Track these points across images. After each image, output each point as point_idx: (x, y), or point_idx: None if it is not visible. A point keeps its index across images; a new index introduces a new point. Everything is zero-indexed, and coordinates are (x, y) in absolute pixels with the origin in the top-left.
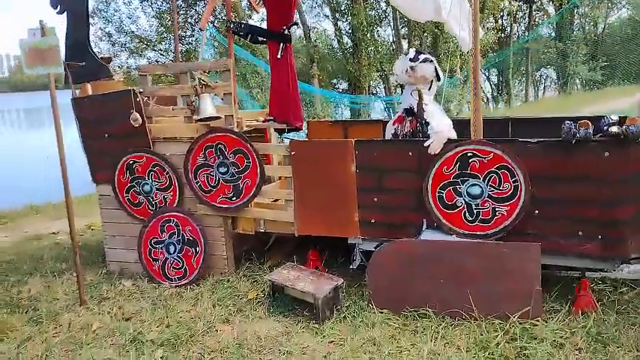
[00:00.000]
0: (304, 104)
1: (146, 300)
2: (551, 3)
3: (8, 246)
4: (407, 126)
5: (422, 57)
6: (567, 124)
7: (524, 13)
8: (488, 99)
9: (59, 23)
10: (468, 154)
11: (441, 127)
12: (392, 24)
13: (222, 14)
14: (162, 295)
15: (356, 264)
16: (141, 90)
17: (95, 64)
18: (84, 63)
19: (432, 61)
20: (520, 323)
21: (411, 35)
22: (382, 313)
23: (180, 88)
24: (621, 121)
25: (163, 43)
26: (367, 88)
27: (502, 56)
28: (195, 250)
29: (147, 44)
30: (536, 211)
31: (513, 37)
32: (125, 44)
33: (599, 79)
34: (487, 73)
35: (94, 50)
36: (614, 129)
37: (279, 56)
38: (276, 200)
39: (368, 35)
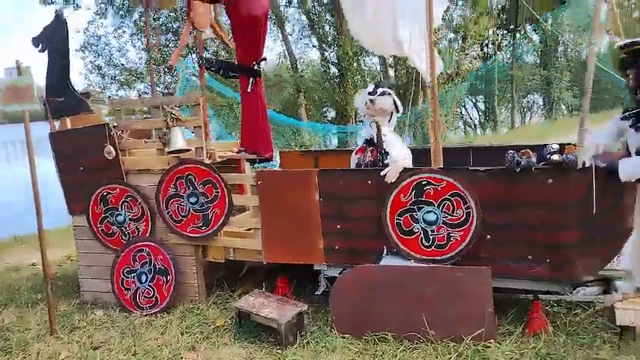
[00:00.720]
0: (292, 134)
1: (116, 329)
2: (534, 32)
3: None
4: (368, 156)
5: (380, 90)
6: (510, 153)
7: (509, 42)
8: (475, 125)
9: (39, 62)
10: (423, 182)
11: (398, 156)
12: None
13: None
14: (133, 324)
15: (321, 290)
16: (114, 124)
17: (75, 100)
18: (63, 99)
19: (389, 94)
20: (474, 345)
21: (397, 64)
22: (344, 338)
23: (152, 121)
24: (562, 149)
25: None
26: (354, 117)
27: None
28: (166, 278)
29: (136, 77)
30: (488, 236)
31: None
32: (115, 77)
33: (596, 103)
34: (474, 100)
35: (74, 87)
36: (555, 157)
37: (249, 90)
38: (249, 229)
39: (354, 65)
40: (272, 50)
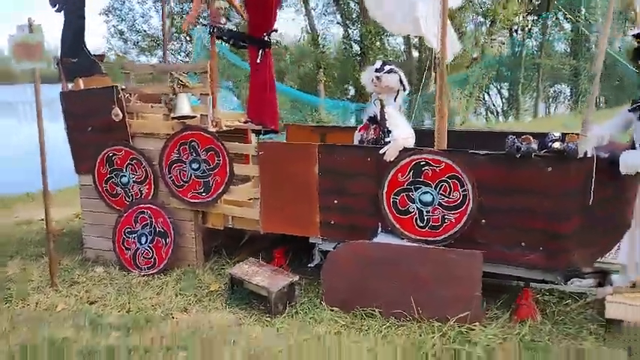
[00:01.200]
0: (309, 110)
1: (113, 286)
2: (565, 19)
3: None
4: (371, 133)
5: (387, 67)
6: (510, 138)
7: (539, 28)
8: (498, 112)
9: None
10: (421, 163)
11: (399, 135)
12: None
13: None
14: (130, 282)
15: (314, 263)
16: (123, 87)
17: (88, 61)
18: (76, 60)
19: (396, 71)
20: (458, 327)
21: (422, 46)
22: (332, 310)
23: (160, 87)
24: (564, 137)
25: (174, 42)
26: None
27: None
28: (165, 241)
29: (158, 43)
30: (483, 220)
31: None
32: (137, 42)
33: (611, 98)
34: (498, 87)
35: (88, 48)
36: (556, 145)
37: (258, 61)
38: (250, 199)
39: (377, 44)
40: (295, 22)
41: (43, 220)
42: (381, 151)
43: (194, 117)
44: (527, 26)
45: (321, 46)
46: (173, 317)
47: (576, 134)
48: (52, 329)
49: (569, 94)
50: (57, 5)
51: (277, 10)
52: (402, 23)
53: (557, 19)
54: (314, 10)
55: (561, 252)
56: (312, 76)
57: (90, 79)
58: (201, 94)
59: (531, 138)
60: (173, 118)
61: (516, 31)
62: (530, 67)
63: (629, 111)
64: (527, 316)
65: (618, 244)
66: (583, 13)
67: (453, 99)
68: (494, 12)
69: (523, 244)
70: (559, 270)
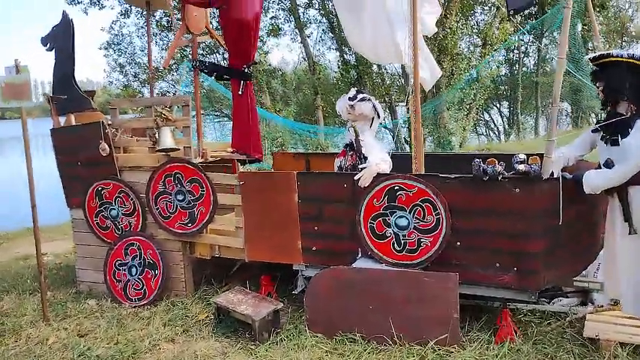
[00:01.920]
0: (306, 136)
1: (104, 318)
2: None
3: None
4: (349, 160)
5: (360, 96)
6: (476, 162)
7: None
8: (499, 131)
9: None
10: (395, 188)
11: (374, 161)
12: None
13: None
14: (121, 314)
15: (298, 289)
16: (109, 122)
17: (79, 97)
18: (67, 96)
19: (369, 99)
20: (438, 349)
21: None
22: (316, 337)
23: (144, 121)
24: (529, 159)
25: (173, 74)
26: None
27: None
28: (155, 272)
29: (160, 75)
30: (458, 243)
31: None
32: (137, 75)
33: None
34: (498, 106)
35: (78, 85)
36: (522, 167)
37: (240, 92)
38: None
39: (373, 67)
40: (292, 52)
41: (42, 254)
42: (356, 177)
43: (177, 149)
44: (522, 46)
45: (317, 72)
46: (160, 348)
47: (539, 155)
48: None
49: (569, 111)
50: (48, 44)
51: (256, 44)
52: (382, 53)
53: (554, 38)
54: (309, 37)
55: (532, 272)
56: (311, 102)
57: (81, 115)
58: (183, 127)
59: (496, 161)
60: (157, 150)
61: (512, 50)
62: (529, 85)
63: (592, 132)
64: (506, 336)
65: (599, 263)
66: (579, 30)
67: (449, 120)
68: (485, 33)
69: (497, 264)
70: (530, 290)
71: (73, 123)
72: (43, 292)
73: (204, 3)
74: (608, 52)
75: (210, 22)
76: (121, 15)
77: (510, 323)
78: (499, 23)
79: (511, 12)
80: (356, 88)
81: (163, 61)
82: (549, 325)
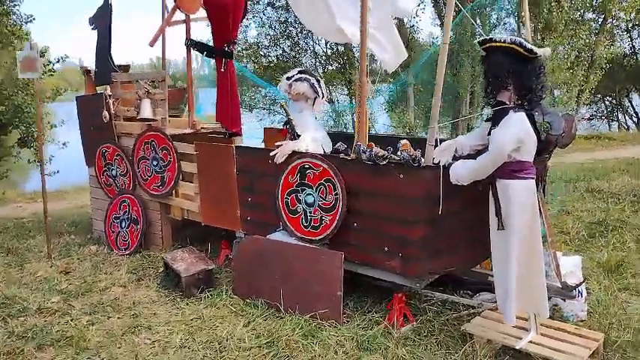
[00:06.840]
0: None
1: (92, 262)
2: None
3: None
4: (288, 137)
5: (297, 76)
6: (357, 145)
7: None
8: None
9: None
10: (306, 166)
11: (302, 139)
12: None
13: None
14: (106, 259)
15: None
16: (109, 93)
17: (112, 71)
18: (101, 70)
19: (306, 79)
20: (318, 322)
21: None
22: (233, 298)
23: (132, 93)
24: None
25: None
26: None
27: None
28: (137, 227)
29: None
30: (355, 224)
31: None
32: None
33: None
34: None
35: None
36: (397, 155)
37: (222, 70)
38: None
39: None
40: None
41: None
42: (271, 154)
43: (155, 120)
44: None
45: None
46: (110, 290)
47: (408, 142)
48: (22, 288)
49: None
50: (92, 24)
51: (237, 26)
52: (323, 28)
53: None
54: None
55: (414, 259)
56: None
57: (114, 86)
58: (160, 99)
59: (373, 144)
60: (137, 120)
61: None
62: None
63: (485, 121)
64: (392, 320)
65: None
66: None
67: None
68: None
69: (386, 249)
70: (412, 277)
71: (109, 92)
72: (48, 234)
73: None
74: (491, 37)
75: None
76: None
77: (400, 308)
78: None
79: None
80: (299, 69)
81: (150, 40)
82: (443, 315)
